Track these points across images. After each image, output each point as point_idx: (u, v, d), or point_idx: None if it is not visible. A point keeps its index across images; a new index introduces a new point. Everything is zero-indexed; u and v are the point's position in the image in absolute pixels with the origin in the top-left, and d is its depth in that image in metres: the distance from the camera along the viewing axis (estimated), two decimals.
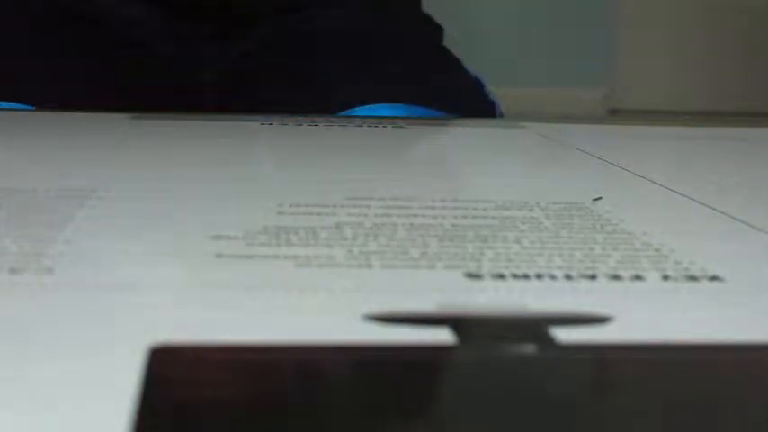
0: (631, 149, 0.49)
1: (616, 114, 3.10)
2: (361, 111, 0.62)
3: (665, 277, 0.24)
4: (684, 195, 0.35)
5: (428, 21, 0.76)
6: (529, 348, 0.19)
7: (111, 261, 0.25)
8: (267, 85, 0.67)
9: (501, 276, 0.24)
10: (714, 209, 0.33)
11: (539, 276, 0.24)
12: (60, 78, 0.64)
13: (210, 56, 0.68)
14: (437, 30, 0.76)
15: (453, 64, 0.73)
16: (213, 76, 0.68)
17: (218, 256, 0.25)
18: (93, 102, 0.57)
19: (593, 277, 0.24)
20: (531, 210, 0.31)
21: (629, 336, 0.20)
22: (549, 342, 0.20)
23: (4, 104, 0.60)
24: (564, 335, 0.20)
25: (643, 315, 0.22)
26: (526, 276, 0.24)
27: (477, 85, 0.73)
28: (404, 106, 0.63)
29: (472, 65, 0.74)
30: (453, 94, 0.69)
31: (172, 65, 0.68)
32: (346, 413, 0.16)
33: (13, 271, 0.23)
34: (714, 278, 0.25)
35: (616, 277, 0.24)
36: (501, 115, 0.72)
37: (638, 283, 0.24)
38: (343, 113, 0.62)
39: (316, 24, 0.70)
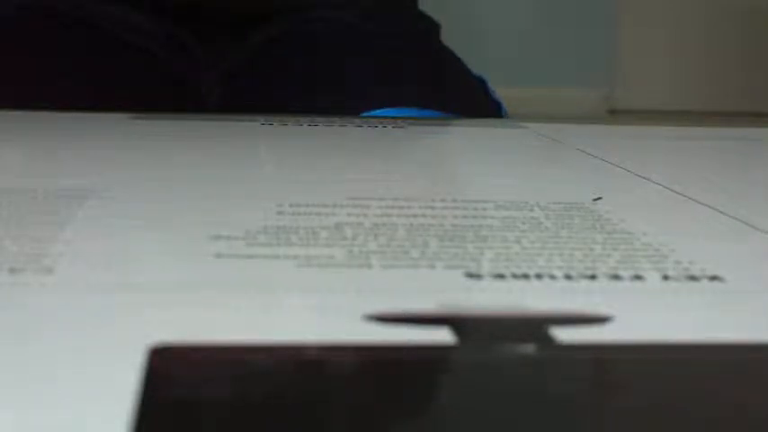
0: (631, 149, 0.49)
1: (616, 114, 3.10)
2: (368, 114, 0.62)
3: (665, 277, 0.24)
4: (684, 195, 0.35)
5: (427, 19, 0.76)
6: (529, 348, 0.19)
7: (111, 261, 0.25)
8: (269, 87, 0.67)
9: (501, 276, 0.24)
10: (714, 209, 0.33)
11: (539, 276, 0.24)
12: (59, 84, 0.64)
13: (212, 60, 0.68)
14: (437, 27, 0.76)
15: (457, 64, 0.73)
16: (215, 79, 0.68)
17: (218, 256, 0.25)
18: (93, 108, 0.57)
19: (593, 277, 0.24)
20: (531, 210, 0.31)
21: (629, 336, 0.20)
22: (549, 342, 0.20)
23: None
24: (564, 335, 0.20)
25: (643, 315, 0.22)
26: (526, 276, 0.24)
27: (481, 85, 0.73)
28: (416, 110, 0.63)
29: (472, 65, 0.74)
30: (461, 95, 0.69)
31: (174, 69, 0.68)
32: (346, 413, 0.16)
33: (12, 271, 0.23)
34: (714, 278, 0.25)
35: (616, 277, 0.24)
36: (506, 115, 0.72)
37: (638, 283, 0.24)
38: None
39: (321, 25, 0.70)
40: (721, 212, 0.32)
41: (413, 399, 0.17)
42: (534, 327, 0.21)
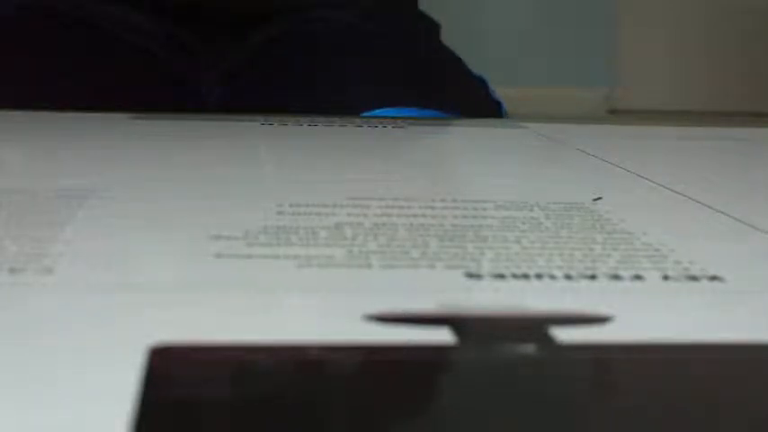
0: (631, 149, 0.49)
1: (616, 114, 3.10)
2: (368, 114, 0.62)
3: (665, 277, 0.24)
4: (684, 195, 0.35)
5: (427, 19, 0.76)
6: (529, 348, 0.19)
7: (111, 261, 0.25)
8: (270, 87, 0.67)
9: (501, 276, 0.24)
10: (714, 209, 0.33)
11: (539, 276, 0.24)
12: (59, 84, 0.64)
13: (212, 60, 0.68)
14: (437, 27, 0.76)
15: (457, 65, 0.73)
16: (215, 79, 0.68)
17: (218, 256, 0.25)
18: (93, 108, 0.57)
19: (593, 277, 0.24)
20: (531, 210, 0.31)
21: (629, 336, 0.20)
22: (549, 342, 0.20)
23: None
24: (564, 335, 0.20)
25: (643, 315, 0.22)
26: (526, 276, 0.24)
27: (481, 85, 0.72)
28: (416, 110, 0.63)
29: (472, 65, 0.74)
30: (461, 95, 0.69)
31: (174, 69, 0.68)
32: (346, 413, 0.16)
33: (12, 271, 0.23)
34: (714, 278, 0.25)
35: (616, 277, 0.24)
36: (506, 115, 0.72)
37: (638, 283, 0.24)
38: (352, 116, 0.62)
39: (321, 25, 0.70)
40: (721, 212, 0.32)
41: (413, 399, 0.17)
42: (534, 327, 0.21)
